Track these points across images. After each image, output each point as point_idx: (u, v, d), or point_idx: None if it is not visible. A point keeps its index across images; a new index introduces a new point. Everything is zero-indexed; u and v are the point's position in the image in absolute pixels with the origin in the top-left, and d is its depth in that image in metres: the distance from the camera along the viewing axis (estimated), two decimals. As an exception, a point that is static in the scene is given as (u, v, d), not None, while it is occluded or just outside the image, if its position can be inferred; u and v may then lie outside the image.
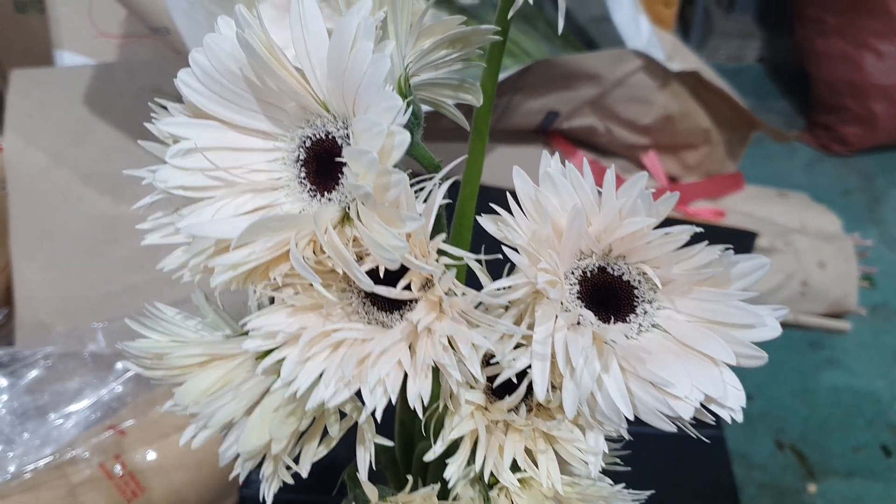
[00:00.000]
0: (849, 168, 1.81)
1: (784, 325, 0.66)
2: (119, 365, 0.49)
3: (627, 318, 0.24)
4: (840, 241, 0.70)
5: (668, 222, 0.65)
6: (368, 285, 0.21)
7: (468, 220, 0.29)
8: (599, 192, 0.23)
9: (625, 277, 0.25)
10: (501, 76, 0.56)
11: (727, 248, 0.24)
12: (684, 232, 0.23)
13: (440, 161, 0.32)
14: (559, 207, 0.24)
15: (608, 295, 0.24)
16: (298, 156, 0.23)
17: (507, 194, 0.25)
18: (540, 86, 0.60)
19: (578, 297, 0.24)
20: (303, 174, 0.23)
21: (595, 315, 0.24)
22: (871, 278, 1.36)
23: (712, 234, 0.67)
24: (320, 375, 0.23)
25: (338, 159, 0.21)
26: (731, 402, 0.24)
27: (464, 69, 0.30)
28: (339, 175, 0.22)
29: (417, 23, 0.25)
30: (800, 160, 1.83)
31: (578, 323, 0.23)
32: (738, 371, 0.77)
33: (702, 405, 0.24)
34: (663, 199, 0.22)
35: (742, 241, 0.66)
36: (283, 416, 0.25)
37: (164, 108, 0.25)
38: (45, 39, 0.68)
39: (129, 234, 0.57)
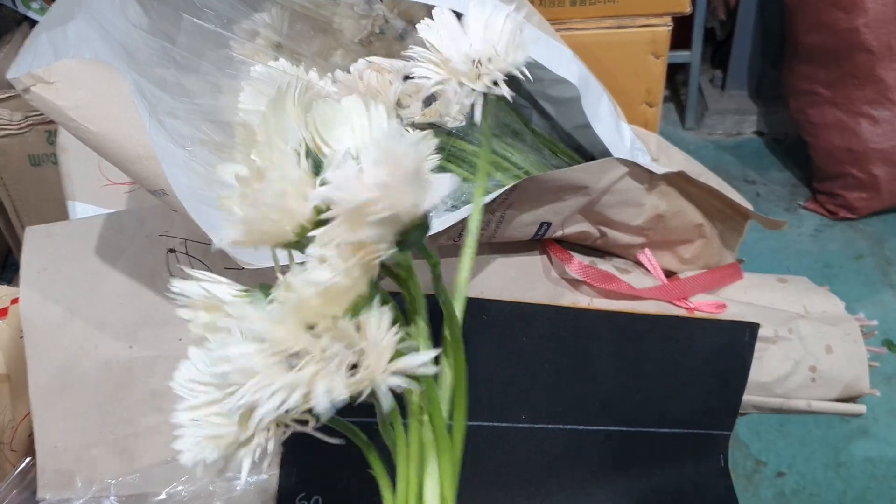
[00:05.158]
0: (858, 233, 1.82)
1: (799, 412, 0.66)
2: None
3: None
4: (845, 323, 0.71)
5: (671, 321, 0.66)
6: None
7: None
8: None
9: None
10: (491, 196, 0.58)
11: None
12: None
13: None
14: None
15: None
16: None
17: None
18: (530, 200, 0.62)
19: None
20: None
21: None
22: (893, 342, 1.36)
23: (715, 328, 0.69)
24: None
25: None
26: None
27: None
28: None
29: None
30: (808, 228, 1.85)
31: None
32: (766, 448, 0.77)
33: None
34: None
35: (745, 332, 0.67)
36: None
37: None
38: (60, 190, 0.72)
39: (144, 377, 0.59)
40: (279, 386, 0.27)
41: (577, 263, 0.66)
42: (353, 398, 0.28)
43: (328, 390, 0.27)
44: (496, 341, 0.63)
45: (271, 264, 0.50)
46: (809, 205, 1.88)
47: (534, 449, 0.65)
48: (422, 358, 0.28)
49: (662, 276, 0.71)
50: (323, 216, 0.28)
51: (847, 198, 1.82)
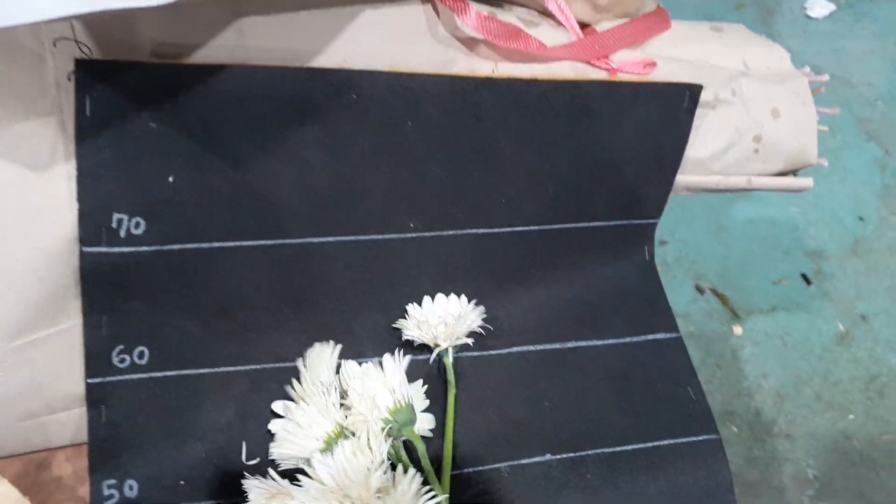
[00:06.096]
0: (738, -21, 1.70)
1: (739, 191, 0.53)
2: None
3: None
4: (792, 80, 0.58)
5: (592, 86, 0.49)
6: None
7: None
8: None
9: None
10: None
11: None
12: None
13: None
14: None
15: None
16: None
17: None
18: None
19: None
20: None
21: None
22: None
23: (646, 93, 0.50)
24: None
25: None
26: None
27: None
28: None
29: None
30: (686, -23, 1.71)
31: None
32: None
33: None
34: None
35: (683, 97, 0.53)
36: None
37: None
38: None
39: None
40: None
41: (475, 14, 0.48)
42: None
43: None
44: (372, 129, 0.46)
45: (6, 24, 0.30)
46: (686, -50, 1.73)
47: (427, 262, 0.50)
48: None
49: (577, 29, 0.54)
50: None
51: (726, -60, 1.67)
